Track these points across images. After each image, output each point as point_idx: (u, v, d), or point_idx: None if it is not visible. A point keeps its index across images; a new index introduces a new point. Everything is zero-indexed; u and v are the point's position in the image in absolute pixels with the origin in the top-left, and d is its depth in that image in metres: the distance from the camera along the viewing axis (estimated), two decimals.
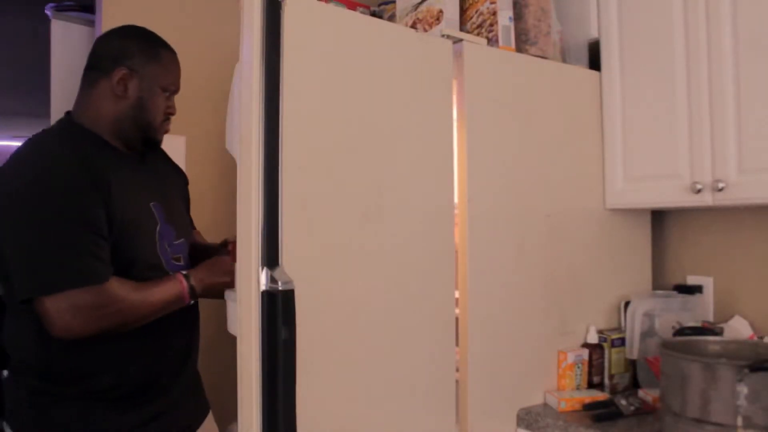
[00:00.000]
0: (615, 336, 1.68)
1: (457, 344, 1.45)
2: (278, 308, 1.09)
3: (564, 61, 1.78)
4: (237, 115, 1.20)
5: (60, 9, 2.04)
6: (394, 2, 1.74)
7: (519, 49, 1.63)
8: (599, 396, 1.57)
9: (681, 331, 1.52)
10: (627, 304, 1.71)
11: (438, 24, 1.54)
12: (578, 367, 1.63)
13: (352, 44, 1.29)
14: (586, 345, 1.68)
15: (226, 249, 1.50)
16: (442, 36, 1.46)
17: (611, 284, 1.79)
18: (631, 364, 1.70)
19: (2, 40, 3.48)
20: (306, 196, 1.20)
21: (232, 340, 1.20)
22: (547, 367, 1.62)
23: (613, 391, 1.66)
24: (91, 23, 2.01)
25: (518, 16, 1.64)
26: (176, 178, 1.61)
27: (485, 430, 1.48)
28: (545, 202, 1.63)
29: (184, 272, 1.36)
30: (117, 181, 1.30)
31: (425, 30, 1.56)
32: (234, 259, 1.22)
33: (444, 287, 1.42)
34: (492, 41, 1.57)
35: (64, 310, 1.19)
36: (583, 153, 1.74)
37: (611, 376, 1.67)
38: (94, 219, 1.24)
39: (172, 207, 1.47)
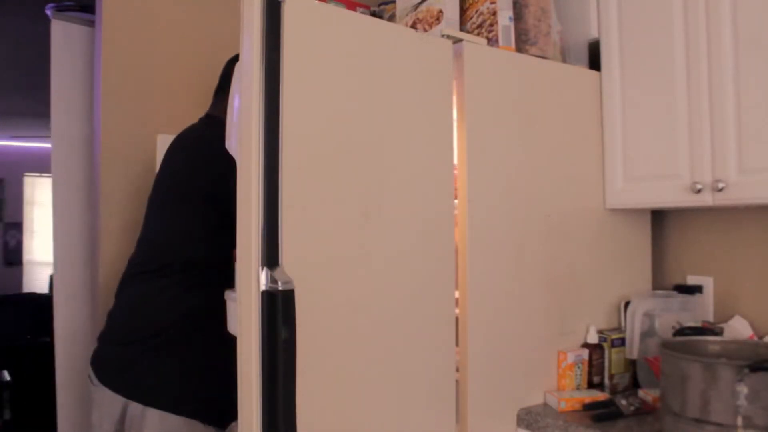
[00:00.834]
0: (615, 336, 1.68)
1: (457, 344, 1.45)
2: (278, 308, 1.09)
3: (564, 61, 1.78)
4: (237, 115, 1.21)
5: (60, 9, 2.04)
6: (394, 2, 1.74)
7: (519, 49, 1.63)
8: (599, 396, 1.57)
9: (681, 331, 1.52)
10: (627, 304, 1.71)
11: (438, 24, 1.54)
12: (578, 367, 1.63)
13: (352, 44, 1.29)
14: (586, 345, 1.68)
15: None
16: (442, 36, 1.46)
17: (611, 284, 1.79)
18: (631, 364, 1.70)
19: (2, 41, 3.48)
20: (306, 196, 1.20)
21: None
22: (547, 367, 1.62)
23: (613, 391, 1.66)
24: (91, 23, 2.02)
25: (518, 16, 1.64)
26: None
27: (485, 430, 1.48)
28: (545, 202, 1.63)
29: None
30: None
31: (425, 30, 1.56)
32: (234, 260, 1.22)
33: (444, 287, 1.42)
34: (492, 41, 1.57)
35: None
36: (583, 153, 1.74)
37: (611, 376, 1.67)
38: None
39: None
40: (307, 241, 1.19)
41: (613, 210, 1.78)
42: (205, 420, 1.45)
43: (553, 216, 1.64)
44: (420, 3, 1.60)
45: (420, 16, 1.59)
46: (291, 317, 1.10)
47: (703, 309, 1.73)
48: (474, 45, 1.49)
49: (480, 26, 1.60)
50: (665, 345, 1.38)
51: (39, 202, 6.44)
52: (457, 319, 1.45)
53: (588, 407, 1.52)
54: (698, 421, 1.23)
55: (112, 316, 1.60)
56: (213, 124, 1.60)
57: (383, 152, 1.33)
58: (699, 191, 1.52)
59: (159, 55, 1.93)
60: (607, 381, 1.67)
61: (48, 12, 2.03)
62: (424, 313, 1.38)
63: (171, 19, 1.95)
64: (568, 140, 1.70)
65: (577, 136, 1.73)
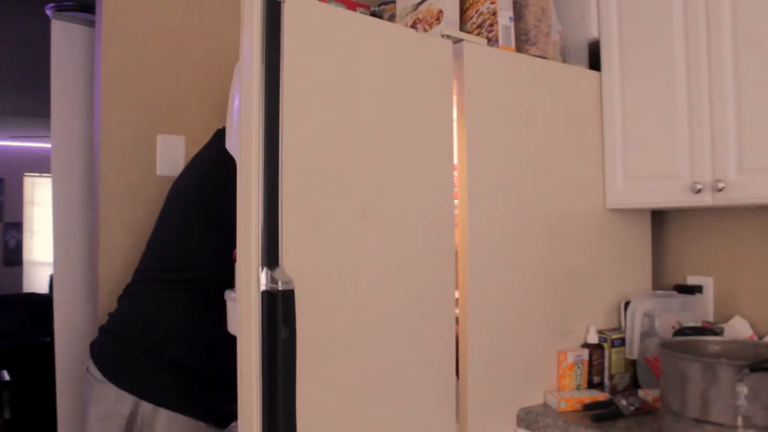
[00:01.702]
0: (615, 336, 1.68)
1: (457, 344, 1.45)
2: (278, 308, 1.09)
3: (564, 61, 1.78)
4: (237, 115, 1.20)
5: (60, 9, 2.04)
6: (394, 2, 1.74)
7: (519, 49, 1.63)
8: (599, 396, 1.57)
9: (681, 331, 1.52)
10: (627, 304, 1.71)
11: (438, 24, 1.54)
12: (578, 367, 1.63)
13: (352, 44, 1.29)
14: (586, 345, 1.68)
15: None
16: (442, 36, 1.46)
17: (611, 284, 1.79)
18: (631, 364, 1.70)
19: (2, 41, 3.48)
20: (306, 196, 1.20)
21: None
22: (547, 367, 1.62)
23: (613, 391, 1.66)
24: (91, 23, 2.01)
25: (518, 16, 1.64)
26: None
27: (485, 430, 1.48)
28: (545, 202, 1.63)
29: None
30: None
31: (425, 30, 1.56)
32: (234, 260, 1.22)
33: (444, 287, 1.42)
34: (492, 41, 1.57)
35: None
36: (583, 153, 1.74)
37: (611, 376, 1.67)
38: None
39: None
40: (307, 241, 1.19)
41: (613, 210, 1.78)
42: (209, 421, 1.53)
43: (553, 216, 1.64)
44: (420, 3, 1.60)
45: (420, 16, 1.59)
46: (291, 317, 1.10)
47: (703, 309, 1.73)
48: (474, 45, 1.49)
49: (480, 26, 1.60)
50: (665, 345, 1.38)
51: (39, 202, 6.45)
52: (457, 319, 1.45)
53: (588, 407, 1.52)
54: (698, 421, 1.23)
55: (119, 318, 1.61)
56: None
57: (383, 152, 1.33)
58: (699, 191, 1.52)
59: (159, 55, 1.93)
60: (607, 381, 1.67)
61: (48, 12, 2.03)
62: (425, 313, 1.38)
63: (171, 18, 1.95)
64: (568, 140, 1.70)
65: (577, 136, 1.73)
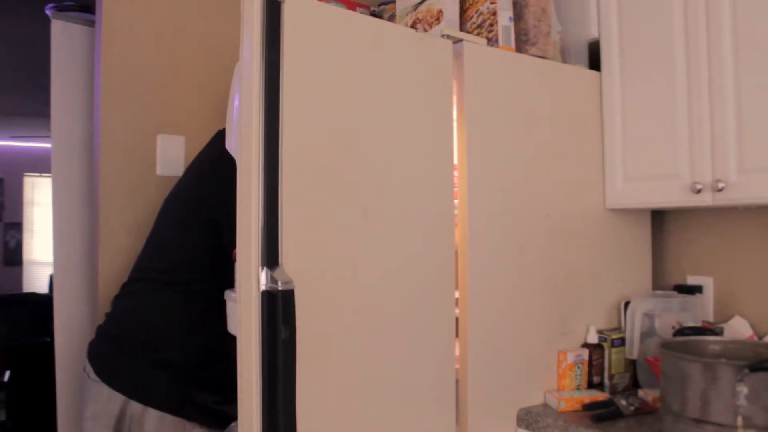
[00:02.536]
0: (615, 336, 1.68)
1: (457, 344, 1.45)
2: (278, 308, 1.10)
3: (564, 61, 1.78)
4: (237, 115, 1.20)
5: (60, 9, 2.04)
6: (394, 2, 1.74)
7: (519, 49, 1.63)
8: (599, 396, 1.57)
9: (681, 331, 1.52)
10: (627, 304, 1.71)
11: (438, 24, 1.54)
12: (578, 367, 1.63)
13: (352, 44, 1.29)
14: (586, 345, 1.68)
15: None
16: (442, 36, 1.46)
17: (611, 284, 1.79)
18: (631, 364, 1.70)
19: (2, 41, 3.48)
20: (306, 196, 1.20)
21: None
22: (547, 367, 1.62)
23: (613, 391, 1.66)
24: (91, 23, 2.01)
25: (518, 16, 1.64)
26: None
27: (485, 430, 1.48)
28: (545, 202, 1.63)
29: None
30: None
31: (425, 30, 1.56)
32: (234, 260, 1.22)
33: (444, 287, 1.42)
34: (492, 41, 1.57)
35: None
36: (583, 153, 1.74)
37: (611, 376, 1.67)
38: None
39: None
40: (307, 241, 1.19)
41: (613, 210, 1.78)
42: (201, 421, 1.53)
43: (553, 216, 1.64)
44: (420, 3, 1.60)
45: (420, 16, 1.59)
46: (291, 317, 1.10)
47: (703, 309, 1.73)
48: (474, 45, 1.49)
49: (480, 26, 1.60)
50: (665, 345, 1.38)
51: (39, 202, 6.45)
52: (457, 319, 1.45)
53: (588, 407, 1.52)
54: (698, 421, 1.23)
55: (114, 318, 1.62)
56: None
57: (383, 152, 1.33)
58: (699, 191, 1.52)
59: (159, 55, 1.93)
60: (607, 381, 1.67)
61: (48, 12, 2.03)
62: (424, 313, 1.38)
63: (171, 18, 1.95)
64: (568, 140, 1.70)
65: (577, 136, 1.73)
